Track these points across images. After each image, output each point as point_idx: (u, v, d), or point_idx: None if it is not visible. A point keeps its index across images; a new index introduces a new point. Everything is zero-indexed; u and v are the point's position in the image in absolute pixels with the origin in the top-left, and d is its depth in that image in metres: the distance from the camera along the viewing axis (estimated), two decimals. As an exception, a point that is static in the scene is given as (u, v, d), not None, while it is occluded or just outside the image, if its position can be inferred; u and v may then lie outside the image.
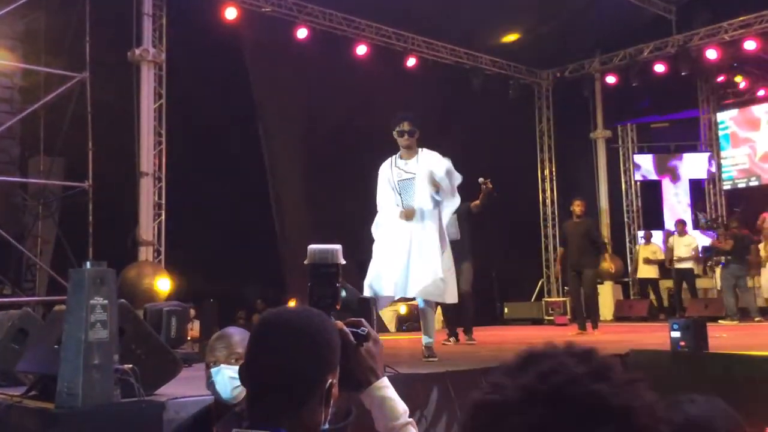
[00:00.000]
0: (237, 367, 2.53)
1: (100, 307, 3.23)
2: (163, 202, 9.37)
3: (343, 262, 1.61)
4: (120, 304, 3.42)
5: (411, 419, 1.52)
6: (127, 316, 3.50)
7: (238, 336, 2.70)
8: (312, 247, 1.58)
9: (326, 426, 1.34)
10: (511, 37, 13.18)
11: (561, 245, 9.69)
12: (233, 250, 10.19)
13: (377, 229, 6.05)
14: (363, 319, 1.51)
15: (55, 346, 3.46)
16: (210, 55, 9.79)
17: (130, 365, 3.27)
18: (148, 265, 8.80)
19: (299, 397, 1.29)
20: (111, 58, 9.35)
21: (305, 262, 1.60)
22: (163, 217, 9.33)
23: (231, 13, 10.29)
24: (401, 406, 1.50)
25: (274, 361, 1.31)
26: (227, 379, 2.55)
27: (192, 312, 8.38)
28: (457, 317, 8.13)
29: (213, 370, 2.58)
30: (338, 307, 1.56)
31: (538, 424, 0.76)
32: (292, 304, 9.80)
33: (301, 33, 11.16)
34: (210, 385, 2.59)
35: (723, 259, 11.17)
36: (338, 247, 1.64)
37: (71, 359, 3.22)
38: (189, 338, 6.72)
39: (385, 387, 1.49)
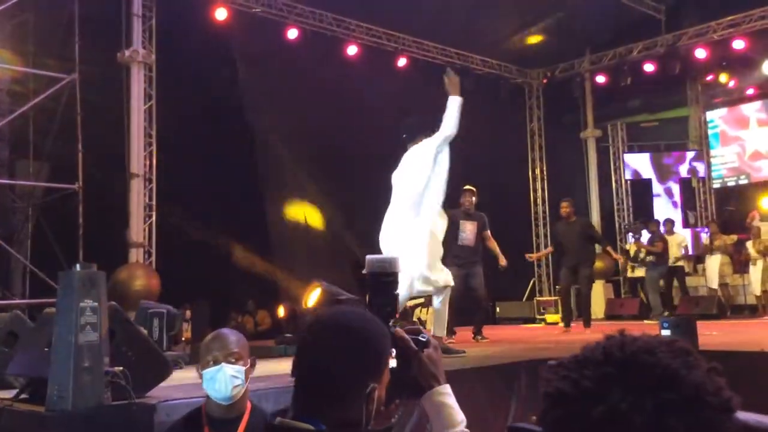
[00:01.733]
0: (238, 366, 2.57)
1: (90, 309, 3.22)
2: (154, 203, 9.34)
3: (401, 271, 1.64)
4: (110, 306, 3.41)
5: (467, 430, 1.53)
6: (117, 318, 3.49)
7: (234, 336, 2.73)
8: (370, 256, 1.61)
9: (369, 427, 1.35)
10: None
11: (552, 245, 9.74)
12: (225, 252, 10.17)
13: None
14: (421, 326, 1.53)
15: (46, 349, 3.45)
16: (200, 56, 9.76)
17: (121, 367, 3.26)
18: (139, 266, 8.77)
19: (339, 396, 1.32)
20: (100, 60, 9.32)
21: (363, 271, 1.63)
22: (154, 218, 9.30)
23: (221, 14, 10.27)
24: (459, 416, 1.51)
25: (319, 358, 1.34)
26: (228, 378, 2.58)
27: (188, 314, 8.39)
28: (470, 317, 8.29)
29: (212, 369, 2.59)
30: (397, 315, 1.58)
31: (617, 411, 0.77)
32: (282, 310, 9.80)
33: (292, 33, 11.16)
34: (209, 383, 2.60)
35: (652, 258, 11.35)
36: (396, 256, 1.68)
37: (61, 362, 3.21)
38: (183, 339, 6.72)
39: (446, 394, 1.50)
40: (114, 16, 9.23)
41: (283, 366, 4.50)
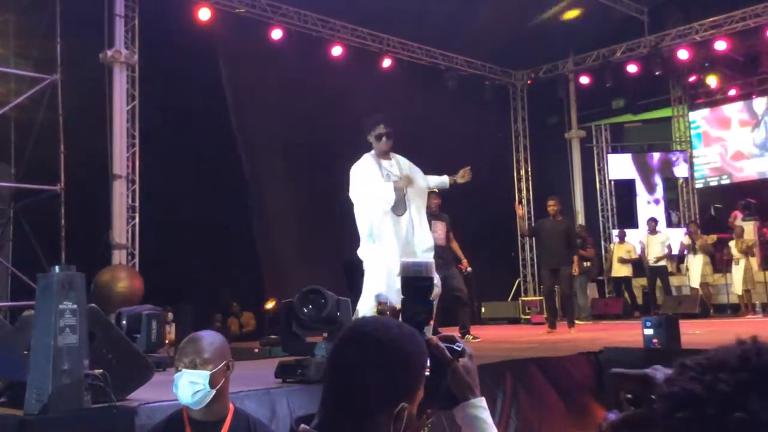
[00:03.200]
0: (200, 372, 2.54)
1: (69, 311, 3.18)
2: (137, 204, 9.27)
3: (436, 276, 1.59)
4: (90, 308, 3.38)
5: None
6: (97, 320, 3.45)
7: (207, 339, 2.68)
8: (405, 261, 1.60)
9: None
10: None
11: (538, 243, 9.80)
12: (209, 253, 10.11)
13: (378, 239, 5.73)
14: (456, 335, 1.46)
15: (25, 352, 3.41)
16: (184, 57, 9.70)
17: (101, 370, 3.22)
18: (122, 268, 8.71)
19: (368, 412, 1.25)
20: (82, 60, 9.25)
21: (397, 275, 1.59)
22: (137, 219, 9.24)
23: (204, 14, 10.22)
24: (493, 430, 1.45)
25: (349, 371, 1.27)
26: (188, 384, 2.53)
27: (170, 315, 8.33)
28: (456, 316, 8.32)
29: (177, 374, 2.56)
30: (432, 322, 1.53)
31: (758, 419, 0.75)
32: (270, 304, 9.76)
33: (276, 34, 11.12)
34: (175, 389, 2.58)
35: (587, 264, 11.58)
36: (431, 261, 1.63)
37: (40, 365, 3.17)
38: (167, 341, 6.67)
39: (481, 407, 1.44)
40: (96, 16, 9.15)
41: (267, 367, 4.48)
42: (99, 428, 3.20)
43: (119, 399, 3.31)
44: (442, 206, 8.47)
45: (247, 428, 2.64)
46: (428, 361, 1.34)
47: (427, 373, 1.33)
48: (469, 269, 8.67)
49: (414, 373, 1.29)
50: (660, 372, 1.26)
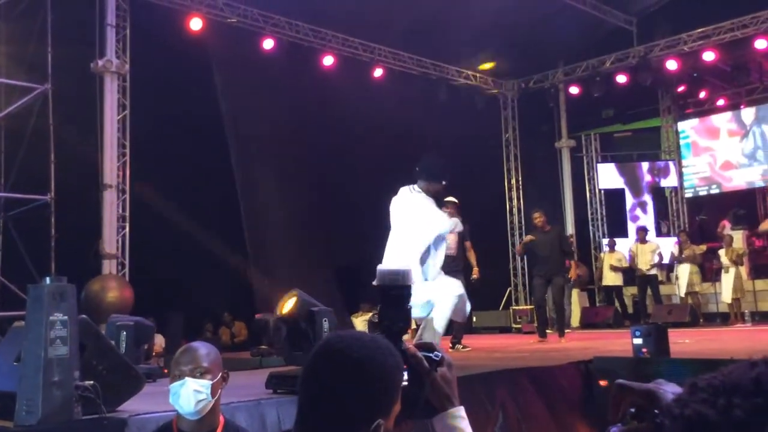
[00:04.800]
0: (203, 381, 2.55)
1: (60, 323, 3.18)
2: (128, 214, 9.25)
3: (413, 283, 1.55)
4: (80, 319, 3.38)
5: None
6: (87, 331, 3.45)
7: (204, 350, 2.70)
8: (382, 268, 1.50)
9: None
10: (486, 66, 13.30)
11: (530, 256, 9.86)
12: (201, 263, 10.10)
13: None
14: (435, 343, 1.43)
15: (15, 363, 3.40)
16: (175, 66, 9.72)
17: (91, 381, 3.22)
18: (113, 278, 8.68)
19: (343, 430, 1.24)
20: (73, 69, 9.24)
21: (374, 283, 1.55)
22: (128, 229, 9.21)
23: (196, 24, 10.24)
24: None
25: (322, 390, 1.26)
26: (192, 393, 2.54)
27: (154, 327, 8.28)
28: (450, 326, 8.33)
29: (177, 383, 2.56)
30: (410, 330, 1.50)
31: None
32: (257, 317, 9.71)
33: (268, 44, 11.15)
34: (174, 398, 2.58)
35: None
36: (409, 268, 1.58)
37: (30, 376, 3.17)
38: (153, 353, 6.64)
39: (461, 417, 1.41)
40: (87, 25, 9.16)
41: (258, 378, 4.48)
42: (89, 440, 3.19)
43: (110, 410, 3.30)
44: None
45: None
46: (406, 372, 1.33)
47: (405, 384, 1.33)
48: (476, 276, 8.72)
49: (389, 389, 1.28)
50: (665, 388, 1.26)
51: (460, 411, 1.42)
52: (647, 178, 15.50)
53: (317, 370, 1.29)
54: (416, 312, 5.87)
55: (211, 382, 2.58)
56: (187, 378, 2.56)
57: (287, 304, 4.17)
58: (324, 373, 1.28)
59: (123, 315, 6.05)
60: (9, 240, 8.95)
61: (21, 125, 8.79)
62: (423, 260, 6.01)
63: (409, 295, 1.49)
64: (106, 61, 9.25)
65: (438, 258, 6.14)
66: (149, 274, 9.02)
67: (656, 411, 1.15)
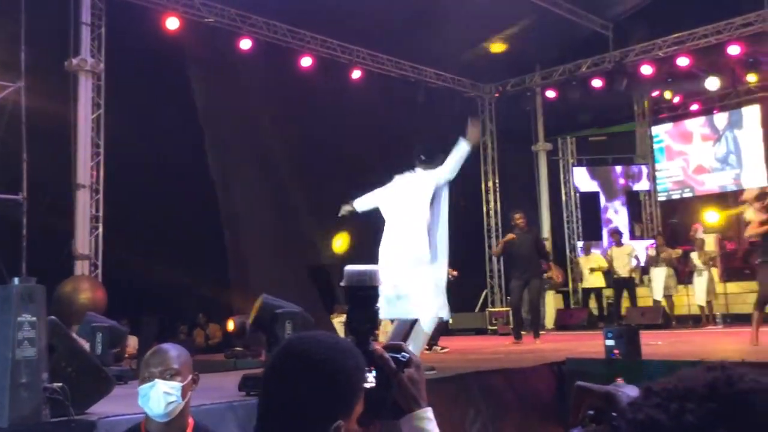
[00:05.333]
0: (173, 383, 2.53)
1: (28, 324, 3.15)
2: (101, 214, 9.15)
3: (381, 284, 1.53)
4: (50, 321, 3.34)
5: None
6: (57, 333, 3.41)
7: (174, 351, 2.67)
8: (349, 268, 1.47)
9: None
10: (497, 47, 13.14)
11: (508, 256, 9.91)
12: (176, 264, 10.02)
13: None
14: (404, 344, 1.42)
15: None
16: (151, 66, 9.64)
17: (60, 383, 3.19)
18: (85, 279, 8.58)
19: (301, 430, 1.23)
20: (47, 68, 9.12)
21: (341, 284, 1.53)
22: (101, 230, 9.11)
23: (172, 24, 10.17)
24: None
25: (282, 390, 1.25)
26: (161, 395, 2.52)
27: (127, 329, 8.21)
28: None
29: (147, 385, 2.54)
30: (377, 332, 1.48)
31: None
32: (230, 324, 9.66)
33: (245, 44, 11.10)
34: (143, 400, 2.56)
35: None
36: (376, 268, 1.55)
37: (-2, 378, 3.13)
38: (126, 355, 6.58)
39: (427, 418, 1.40)
40: (62, 24, 9.05)
41: (232, 380, 4.45)
42: (57, 442, 3.15)
43: (78, 413, 3.27)
44: None
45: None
46: (372, 373, 1.32)
47: (372, 385, 1.32)
48: (455, 273, 8.74)
49: (349, 391, 1.27)
50: (624, 390, 1.28)
51: (428, 412, 1.41)
52: (621, 181, 15.68)
53: (277, 372, 1.29)
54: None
55: (181, 384, 2.55)
56: (156, 380, 2.54)
57: (254, 312, 4.17)
58: (283, 374, 1.27)
59: (99, 316, 5.98)
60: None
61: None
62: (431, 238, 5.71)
63: (376, 295, 1.48)
64: (81, 59, 9.15)
65: (443, 236, 5.83)
66: (123, 276, 8.93)
67: (614, 413, 1.17)
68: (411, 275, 5.37)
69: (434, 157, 6.08)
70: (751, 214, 7.19)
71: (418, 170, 5.97)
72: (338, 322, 10.97)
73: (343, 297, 1.49)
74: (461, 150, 6.03)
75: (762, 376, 0.79)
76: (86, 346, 4.98)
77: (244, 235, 11.21)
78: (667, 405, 0.77)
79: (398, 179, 6.00)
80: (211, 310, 10.99)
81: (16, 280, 3.29)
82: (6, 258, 8.31)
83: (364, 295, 1.47)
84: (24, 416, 3.11)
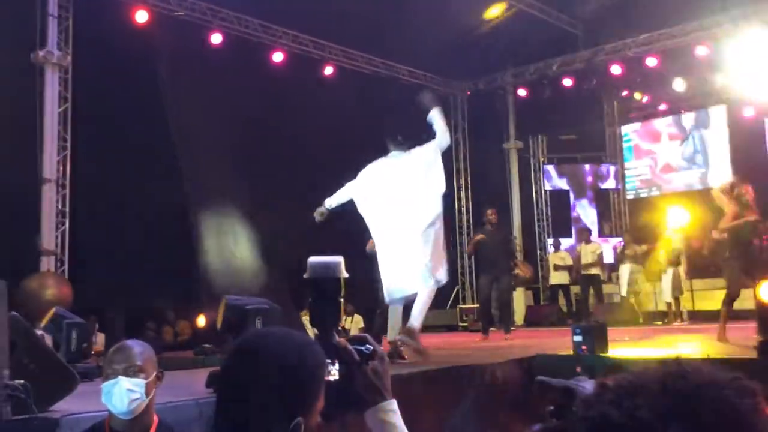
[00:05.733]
0: (136, 380, 2.50)
1: (-11, 320, 3.08)
2: (68, 209, 9.00)
3: (346, 275, 1.50)
4: (11, 316, 3.27)
5: None
6: (18, 329, 3.34)
7: (138, 348, 2.64)
8: (312, 260, 1.45)
9: None
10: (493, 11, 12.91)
11: (478, 252, 9.91)
12: (144, 260, 9.89)
13: None
14: (368, 336, 1.40)
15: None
16: (120, 59, 9.49)
17: (21, 381, 3.12)
18: (51, 275, 8.44)
19: (259, 429, 1.21)
20: (13, 60, 8.94)
21: (305, 276, 1.49)
22: (67, 225, 8.96)
23: (142, 17, 10.04)
24: None
25: (238, 389, 1.23)
26: (125, 391, 2.49)
27: (96, 325, 8.10)
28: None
29: (110, 382, 2.51)
30: (342, 325, 1.46)
31: None
32: (202, 320, 9.57)
33: (216, 38, 11.00)
34: (106, 397, 2.52)
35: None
36: (340, 259, 1.51)
37: (-43, 376, 3.05)
38: (93, 352, 6.48)
39: (392, 411, 1.38)
40: (28, 16, 8.88)
41: (200, 378, 4.41)
42: (19, 441, 3.09)
43: (42, 410, 3.21)
44: None
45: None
46: (335, 366, 1.31)
47: (336, 378, 1.31)
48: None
49: (307, 387, 1.26)
50: (584, 385, 1.26)
51: (392, 404, 1.40)
52: (590, 180, 15.85)
53: (232, 371, 1.27)
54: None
55: (145, 381, 2.52)
56: (120, 377, 2.50)
57: (220, 316, 4.12)
58: (239, 373, 1.25)
59: (67, 312, 5.89)
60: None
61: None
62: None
63: (339, 287, 1.47)
64: (47, 52, 8.99)
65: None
66: (90, 271, 8.80)
67: (574, 408, 1.17)
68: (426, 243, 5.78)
69: (411, 136, 6.29)
70: (725, 205, 7.29)
71: (398, 152, 6.14)
72: (307, 319, 10.95)
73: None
74: (437, 115, 6.32)
75: (717, 371, 0.78)
76: (50, 342, 4.90)
77: (213, 231, 11.10)
78: (620, 401, 0.76)
79: (381, 165, 6.15)
80: (180, 306, 10.87)
81: (-24, 276, 3.22)
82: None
83: (329, 287, 1.46)
84: (-15, 414, 3.05)
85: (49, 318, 5.28)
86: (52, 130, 8.92)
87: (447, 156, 15.54)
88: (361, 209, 6.10)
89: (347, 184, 6.18)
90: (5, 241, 8.17)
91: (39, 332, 4.78)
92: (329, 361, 1.32)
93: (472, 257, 14.04)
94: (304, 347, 1.29)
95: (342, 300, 1.47)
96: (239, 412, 1.23)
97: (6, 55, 8.69)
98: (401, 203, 5.95)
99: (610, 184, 15.82)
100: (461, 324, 12.69)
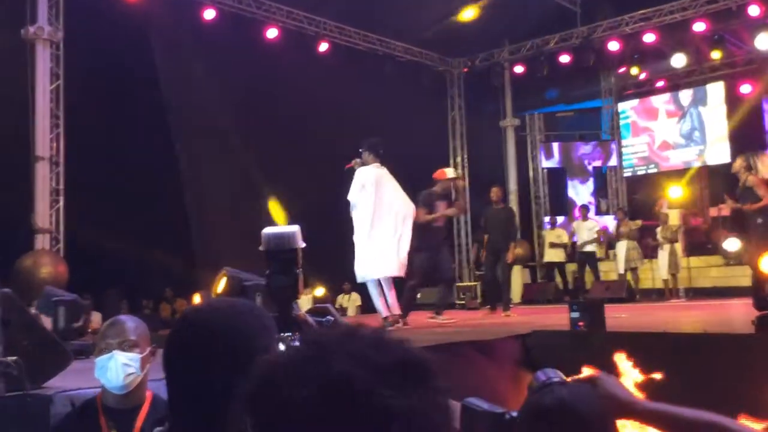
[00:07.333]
0: (131, 354, 2.47)
1: (-20, 297, 3.04)
2: (62, 187, 8.93)
3: (303, 245, 1.45)
4: (3, 293, 3.24)
5: None
6: (11, 306, 3.31)
7: (132, 323, 2.62)
8: (266, 231, 1.42)
9: None
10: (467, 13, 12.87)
11: (484, 231, 9.92)
12: (141, 238, 9.86)
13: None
14: (329, 306, 1.40)
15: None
16: (112, 35, 9.39)
17: (15, 357, 3.10)
18: (45, 253, 8.39)
19: (215, 408, 1.16)
20: (4, 37, 8.82)
21: (260, 248, 1.44)
22: (62, 203, 8.90)
23: (134, -8, 9.89)
24: None
25: (185, 365, 1.19)
26: (120, 366, 2.47)
27: (89, 303, 8.07)
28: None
29: (104, 357, 2.48)
30: (299, 296, 1.42)
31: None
32: (197, 298, 9.55)
33: (209, 14, 10.86)
34: (100, 372, 2.49)
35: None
36: (295, 229, 1.46)
37: (-52, 353, 3.03)
38: (89, 330, 6.46)
39: None
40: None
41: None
42: (12, 417, 3.07)
43: (35, 387, 3.19)
44: None
45: (164, 416, 2.58)
46: (296, 339, 1.28)
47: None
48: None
49: (254, 354, 1.19)
50: (551, 375, 1.34)
51: None
52: (587, 157, 15.80)
53: (176, 348, 1.23)
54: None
55: (140, 356, 2.50)
56: (114, 351, 2.48)
57: (219, 285, 4.07)
58: (182, 349, 1.21)
59: (59, 290, 5.85)
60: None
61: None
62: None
63: (295, 258, 1.42)
64: (38, 28, 8.86)
65: None
66: (85, 250, 8.75)
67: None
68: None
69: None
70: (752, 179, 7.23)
71: (376, 164, 6.99)
72: (305, 298, 10.94)
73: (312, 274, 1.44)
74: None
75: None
76: (46, 321, 4.88)
77: (207, 208, 11.07)
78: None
79: (374, 171, 7.01)
80: (178, 285, 10.85)
81: (-33, 252, 3.18)
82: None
83: (284, 258, 1.42)
84: (-22, 391, 3.03)
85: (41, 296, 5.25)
86: (45, 108, 8.82)
87: (443, 134, 15.57)
88: (364, 198, 6.86)
89: (363, 185, 6.93)
90: (3, 220, 8.12)
91: (33, 311, 4.75)
92: (289, 334, 1.28)
93: (468, 235, 14.06)
94: (248, 314, 1.23)
95: (299, 271, 1.42)
96: (189, 389, 1.18)
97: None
98: (395, 202, 6.99)
99: (607, 161, 15.77)
100: (458, 302, 12.69)
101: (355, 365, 0.76)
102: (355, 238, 6.91)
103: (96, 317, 7.95)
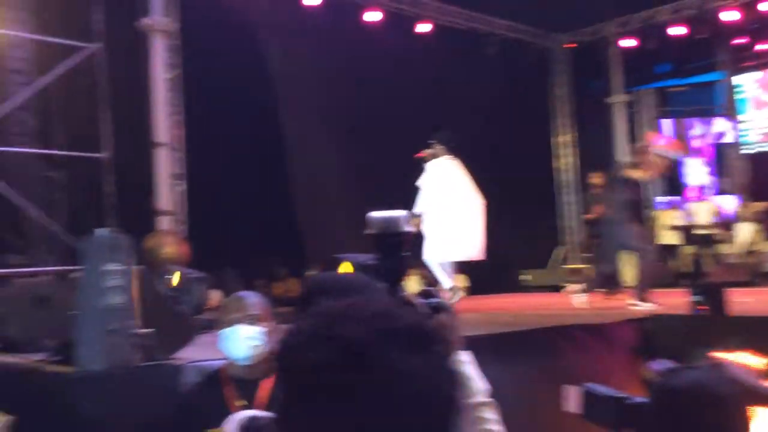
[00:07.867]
0: (254, 327, 2.57)
1: (116, 273, 3.25)
2: (184, 171, 9.35)
3: (410, 229, 1.47)
4: (137, 269, 3.45)
5: (491, 399, 1.43)
6: (144, 282, 3.52)
7: (254, 298, 2.73)
8: (373, 215, 1.45)
9: None
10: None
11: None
12: (258, 219, 10.26)
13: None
14: (434, 289, 1.43)
15: (75, 313, 3.50)
16: (225, 24, 9.76)
17: (148, 329, 3.29)
18: (168, 233, 8.81)
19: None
20: (125, 28, 9.28)
21: (366, 231, 1.48)
22: (184, 186, 9.33)
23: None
24: (478, 384, 1.42)
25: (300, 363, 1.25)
26: (243, 339, 2.58)
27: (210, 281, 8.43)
28: None
29: (228, 330, 2.60)
30: (405, 278, 1.45)
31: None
32: (311, 273, 9.82)
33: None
34: (225, 344, 2.61)
35: None
36: (403, 213, 1.50)
37: (89, 325, 3.26)
38: (208, 306, 6.77)
39: (463, 362, 1.40)
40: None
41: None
42: (146, 385, 3.27)
43: (165, 358, 3.38)
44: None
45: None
46: None
47: None
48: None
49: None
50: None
51: (462, 356, 1.41)
52: (704, 134, 15.01)
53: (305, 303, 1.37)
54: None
55: (263, 329, 2.60)
56: (239, 324, 2.59)
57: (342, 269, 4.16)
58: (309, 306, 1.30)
59: (184, 268, 6.15)
60: (69, 198, 9.14)
61: (71, 85, 8.88)
62: None
63: (402, 242, 1.43)
64: (152, 18, 9.23)
65: None
66: (207, 231, 9.14)
67: None
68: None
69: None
70: None
71: (448, 156, 7.29)
72: (413, 280, 11.02)
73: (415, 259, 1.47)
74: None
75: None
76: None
77: (317, 192, 11.33)
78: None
79: (447, 162, 7.32)
80: (293, 265, 11.18)
81: (101, 231, 3.39)
82: (92, 216, 8.61)
83: (392, 242, 1.43)
84: (115, 360, 3.24)
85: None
86: (163, 96, 9.22)
87: (546, 114, 15.17)
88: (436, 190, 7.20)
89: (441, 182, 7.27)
90: (126, 203, 8.60)
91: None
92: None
93: (575, 217, 13.72)
94: (367, 286, 1.30)
95: (407, 254, 1.43)
96: None
97: (119, 24, 9.01)
98: (468, 193, 7.40)
99: (725, 138, 14.92)
100: (565, 285, 12.41)
101: (365, 331, 0.84)
102: (427, 223, 7.18)
103: (215, 294, 8.31)
